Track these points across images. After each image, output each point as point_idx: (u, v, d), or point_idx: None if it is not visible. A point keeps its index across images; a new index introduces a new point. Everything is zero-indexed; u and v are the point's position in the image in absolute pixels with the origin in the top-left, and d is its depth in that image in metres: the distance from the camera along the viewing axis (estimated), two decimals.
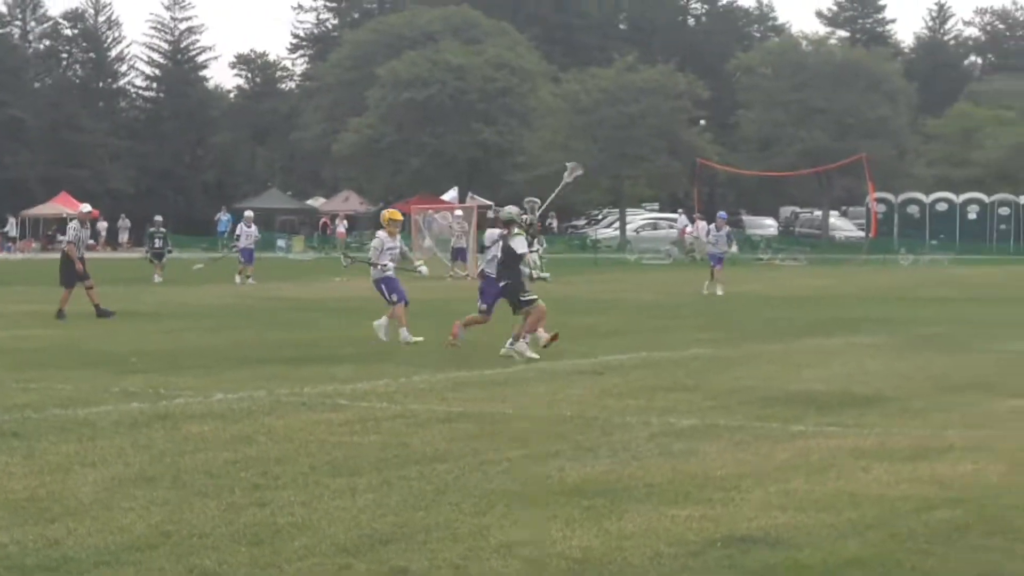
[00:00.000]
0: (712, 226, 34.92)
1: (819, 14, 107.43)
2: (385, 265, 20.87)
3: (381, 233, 21.36)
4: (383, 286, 20.81)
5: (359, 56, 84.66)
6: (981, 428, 12.07)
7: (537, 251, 20.49)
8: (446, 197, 62.16)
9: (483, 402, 13.82)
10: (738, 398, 14.06)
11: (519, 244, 18.35)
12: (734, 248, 36.15)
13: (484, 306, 19.19)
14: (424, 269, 23.34)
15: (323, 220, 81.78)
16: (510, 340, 18.32)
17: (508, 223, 18.72)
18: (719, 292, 32.47)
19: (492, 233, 20.06)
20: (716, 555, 7.83)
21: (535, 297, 18.44)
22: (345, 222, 73.98)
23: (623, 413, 13.02)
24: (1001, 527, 8.36)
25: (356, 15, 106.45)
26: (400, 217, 21.88)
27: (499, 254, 18.73)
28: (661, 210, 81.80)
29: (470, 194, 72.08)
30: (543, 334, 18.48)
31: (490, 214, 23.20)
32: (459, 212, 45.90)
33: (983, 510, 8.81)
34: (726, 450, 11.05)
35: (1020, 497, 9.15)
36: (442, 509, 8.95)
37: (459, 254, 43.44)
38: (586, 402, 13.79)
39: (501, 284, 18.60)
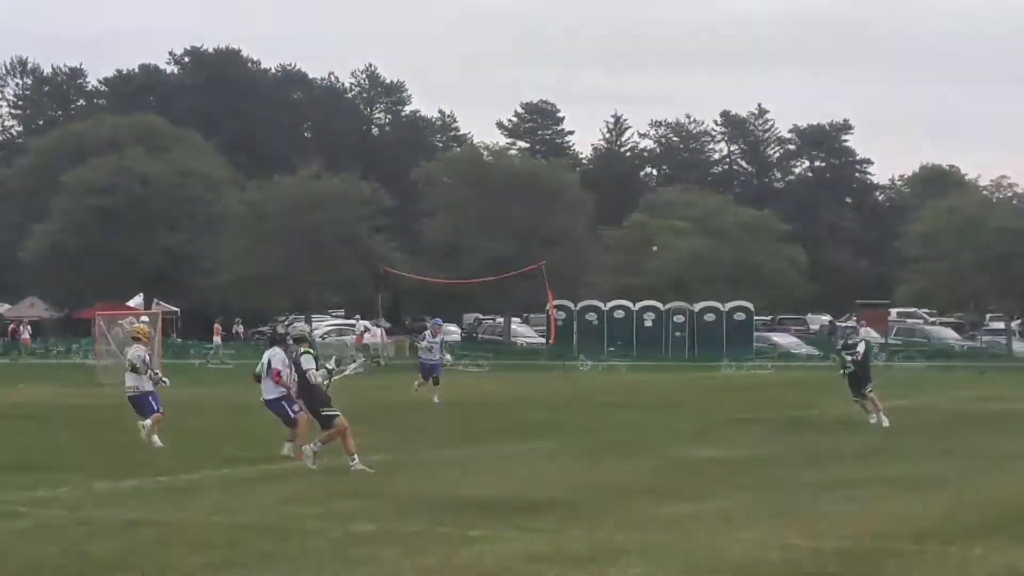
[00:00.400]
0: (427, 332, 34.00)
1: (500, 125, 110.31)
2: (158, 376, 20.96)
3: (139, 347, 21.13)
4: (151, 399, 20.56)
5: (44, 163, 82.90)
6: (651, 532, 12.41)
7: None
8: (132, 303, 60.66)
9: (164, 509, 13.54)
10: (417, 504, 14.12)
11: (306, 362, 17.91)
12: (448, 357, 35.76)
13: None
14: (167, 381, 21.93)
15: (11, 326, 78.95)
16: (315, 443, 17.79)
17: (299, 340, 18.72)
18: (437, 400, 31.48)
19: (275, 352, 19.48)
20: None
21: (336, 413, 17.83)
22: (29, 327, 71.70)
23: (302, 519, 12.91)
24: None
25: (40, 122, 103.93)
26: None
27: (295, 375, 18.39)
28: (347, 316, 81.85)
29: (156, 300, 70.56)
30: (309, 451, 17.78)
31: (277, 329, 22.52)
32: (145, 319, 44.66)
33: None
34: (404, 555, 11.07)
35: None
36: None
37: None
38: (266, 509, 13.64)
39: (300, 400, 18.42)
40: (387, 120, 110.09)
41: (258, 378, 19.60)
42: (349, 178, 74.06)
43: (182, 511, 13.43)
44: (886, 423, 25.50)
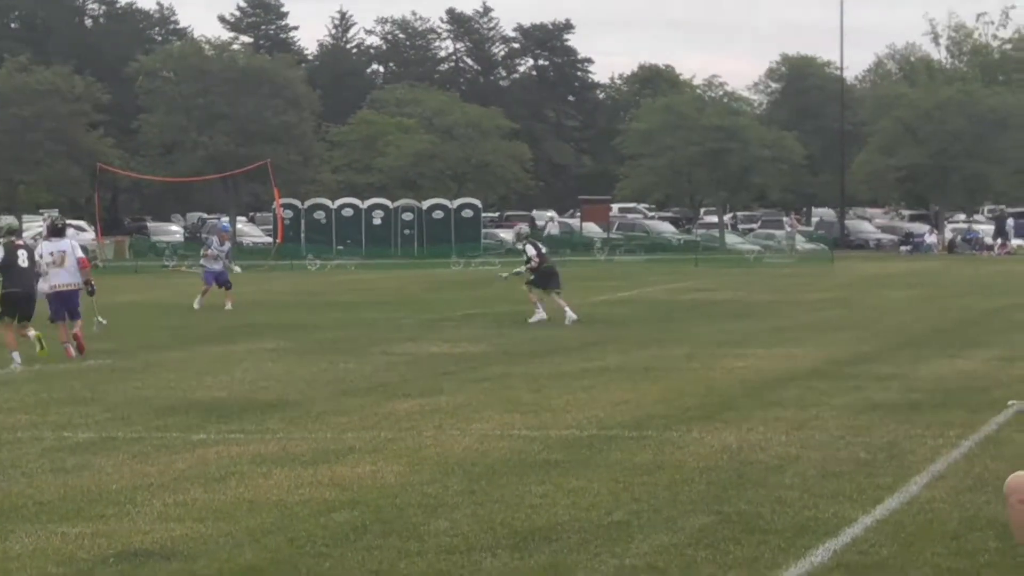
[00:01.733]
0: (214, 238, 31.46)
1: (222, 19, 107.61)
2: None
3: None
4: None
5: None
6: (380, 430, 12.38)
7: None
8: None
9: None
10: (137, 409, 13.72)
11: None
12: (237, 268, 32.74)
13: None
14: None
15: None
16: None
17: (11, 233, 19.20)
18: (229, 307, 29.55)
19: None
20: (108, 572, 7.56)
21: None
22: None
23: (13, 429, 12.42)
24: (397, 527, 8.57)
25: None
26: None
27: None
28: (62, 216, 79.06)
29: None
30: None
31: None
32: None
33: (380, 510, 9.01)
34: (123, 463, 10.74)
35: (415, 496, 9.45)
36: None
37: None
38: None
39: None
40: (101, 11, 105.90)
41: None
42: (61, 71, 71.07)
43: None
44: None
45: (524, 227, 30.48)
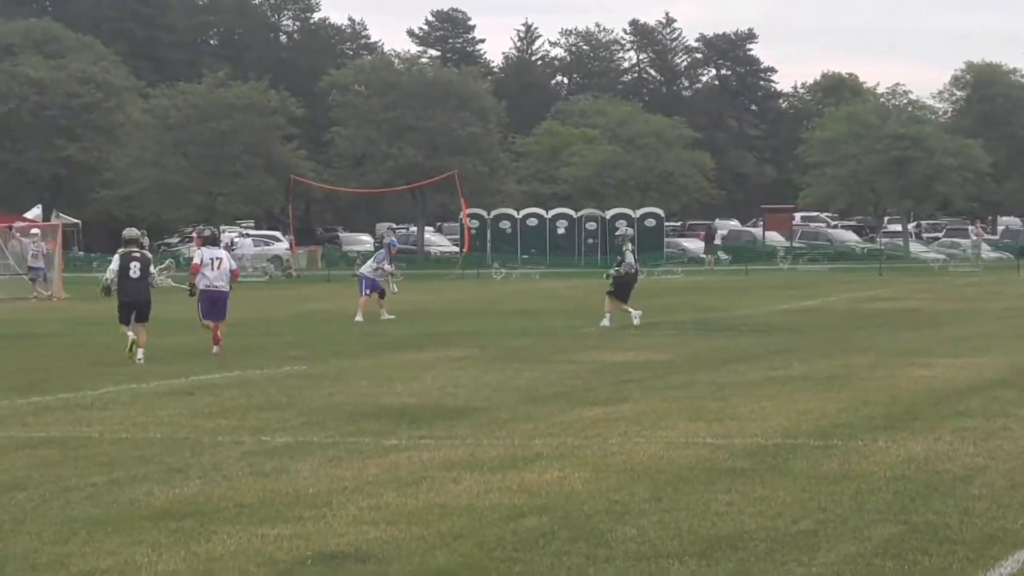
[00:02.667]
0: (382, 253, 31.20)
1: (411, 33, 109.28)
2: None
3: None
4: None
5: None
6: (566, 437, 12.51)
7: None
8: (29, 215, 59.58)
9: (67, 426, 13.35)
10: (331, 414, 14.09)
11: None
12: (394, 288, 31.69)
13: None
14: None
15: None
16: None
17: (131, 242, 20.77)
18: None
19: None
20: (306, 573, 7.83)
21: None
22: None
23: (214, 433, 12.83)
24: (584, 533, 8.69)
25: None
26: None
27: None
28: (257, 227, 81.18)
29: (55, 212, 69.28)
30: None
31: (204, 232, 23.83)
32: (35, 231, 43.87)
33: (568, 517, 9.13)
34: (319, 467, 11.05)
35: (602, 503, 9.55)
36: (21, 539, 8.61)
37: (37, 273, 41.51)
38: (176, 423, 13.52)
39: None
40: (295, 27, 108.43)
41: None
42: (257, 86, 72.95)
43: (87, 428, 13.24)
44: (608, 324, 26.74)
45: (629, 230, 31.61)
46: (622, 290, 27.48)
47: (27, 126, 73.77)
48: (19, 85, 73.42)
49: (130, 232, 21.15)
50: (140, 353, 19.67)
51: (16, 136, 74.08)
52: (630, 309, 26.99)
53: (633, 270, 27.92)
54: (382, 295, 30.12)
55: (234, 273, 22.21)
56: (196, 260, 22.04)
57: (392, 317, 29.16)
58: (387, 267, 30.82)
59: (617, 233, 31.99)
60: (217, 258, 21.88)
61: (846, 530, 8.68)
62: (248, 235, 65.95)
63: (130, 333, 20.00)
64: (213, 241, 22.87)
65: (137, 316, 20.28)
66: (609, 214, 69.26)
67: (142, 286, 20.36)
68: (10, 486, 10.27)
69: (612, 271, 28.21)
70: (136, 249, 20.57)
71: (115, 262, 20.62)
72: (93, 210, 74.36)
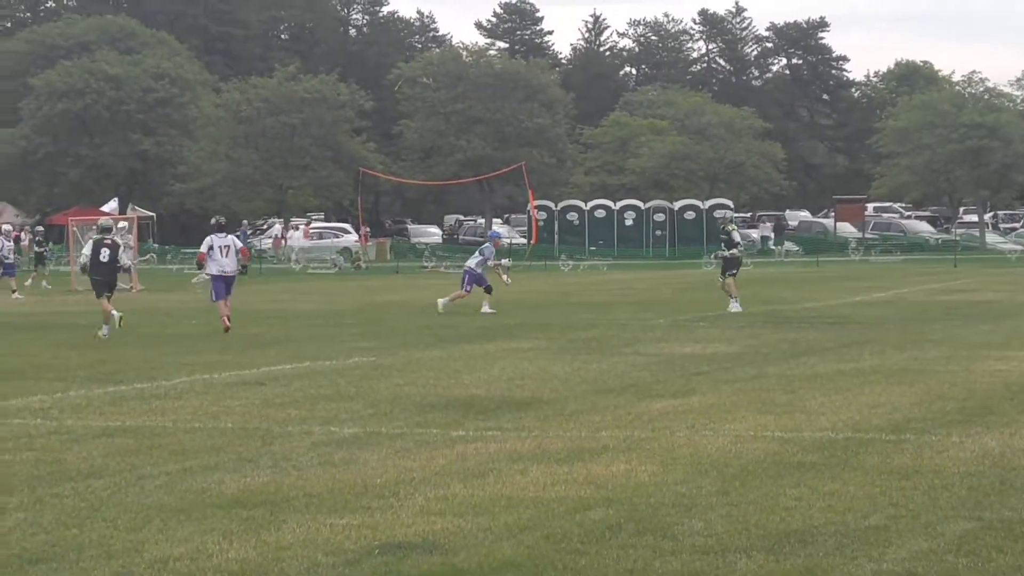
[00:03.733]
0: (488, 246, 30.68)
1: (479, 25, 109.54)
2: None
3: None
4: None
5: (12, 66, 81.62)
6: (633, 429, 12.48)
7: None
8: (106, 208, 60.34)
9: (142, 416, 13.52)
10: (399, 405, 14.15)
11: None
12: (507, 279, 31.10)
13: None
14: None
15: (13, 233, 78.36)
16: None
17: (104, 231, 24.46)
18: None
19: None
20: (373, 563, 7.86)
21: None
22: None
23: (284, 423, 12.93)
24: (651, 526, 8.66)
25: (8, 24, 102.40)
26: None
27: None
28: (326, 219, 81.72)
29: (131, 205, 70.08)
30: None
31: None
32: (123, 224, 44.45)
33: (634, 509, 9.11)
34: (386, 457, 11.10)
35: (669, 496, 9.51)
36: (96, 526, 8.74)
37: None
38: (247, 413, 13.64)
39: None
40: (364, 21, 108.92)
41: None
42: (327, 79, 73.36)
43: (161, 417, 13.41)
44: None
45: (729, 212, 33.88)
46: (733, 266, 29.11)
47: (104, 121, 74.82)
48: (96, 81, 74.52)
49: (105, 222, 25.42)
50: (106, 329, 22.72)
51: (93, 131, 75.16)
52: (733, 295, 28.67)
53: (741, 251, 30.26)
54: (488, 289, 29.47)
55: (243, 252, 26.09)
56: (203, 248, 24.62)
57: (493, 311, 28.59)
58: (491, 262, 30.33)
59: (718, 215, 35.68)
60: (226, 245, 24.46)
61: (918, 526, 8.59)
62: (299, 227, 66.21)
63: (115, 312, 22.93)
64: (221, 229, 24.90)
65: (108, 291, 23.46)
66: (677, 205, 69.02)
67: (110, 268, 23.61)
68: (87, 474, 10.45)
69: (724, 253, 29.69)
70: (107, 237, 23.71)
71: (88, 247, 24.51)
72: (167, 203, 75.27)
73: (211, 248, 24.29)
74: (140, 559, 7.92)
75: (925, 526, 8.57)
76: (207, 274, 25.09)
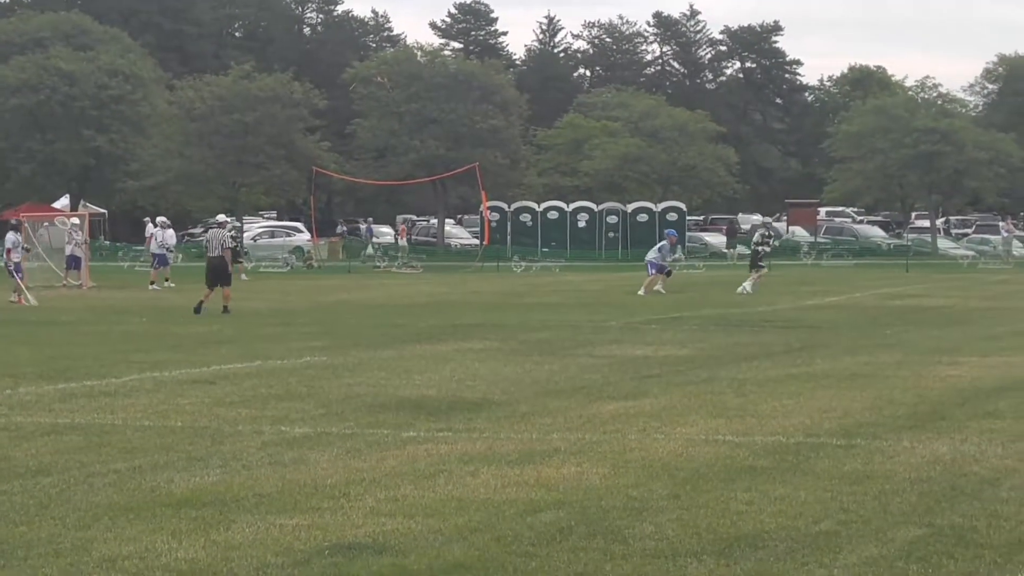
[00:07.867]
0: (665, 244, 37.56)
1: (433, 26, 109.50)
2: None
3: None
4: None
5: None
6: (584, 432, 12.48)
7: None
8: (57, 205, 59.82)
9: (91, 413, 13.42)
10: (350, 405, 14.10)
11: None
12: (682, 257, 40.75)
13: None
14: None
15: None
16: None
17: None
18: None
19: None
20: (323, 563, 7.83)
21: None
22: None
23: (235, 423, 12.87)
24: (601, 529, 8.66)
25: None
26: None
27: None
28: (279, 218, 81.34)
29: (83, 202, 69.47)
30: None
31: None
32: (75, 220, 44.15)
33: (585, 512, 9.10)
34: (337, 458, 11.06)
35: (620, 499, 9.51)
36: (45, 524, 8.69)
37: (74, 262, 41.70)
38: (197, 412, 13.56)
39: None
40: (319, 20, 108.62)
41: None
42: (281, 78, 73.06)
43: (111, 415, 13.30)
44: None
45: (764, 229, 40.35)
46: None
47: (57, 117, 74.27)
48: (49, 77, 73.97)
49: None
50: None
51: (46, 127, 74.61)
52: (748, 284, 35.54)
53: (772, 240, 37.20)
54: (668, 274, 36.83)
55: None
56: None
57: (663, 292, 35.42)
58: (669, 258, 37.14)
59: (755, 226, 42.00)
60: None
61: (869, 531, 8.62)
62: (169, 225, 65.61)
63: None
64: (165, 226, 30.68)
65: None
66: (630, 208, 69.15)
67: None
68: (36, 471, 10.39)
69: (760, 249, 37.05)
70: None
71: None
72: (119, 200, 74.70)
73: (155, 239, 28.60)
74: (89, 558, 7.88)
75: (876, 532, 8.60)
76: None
